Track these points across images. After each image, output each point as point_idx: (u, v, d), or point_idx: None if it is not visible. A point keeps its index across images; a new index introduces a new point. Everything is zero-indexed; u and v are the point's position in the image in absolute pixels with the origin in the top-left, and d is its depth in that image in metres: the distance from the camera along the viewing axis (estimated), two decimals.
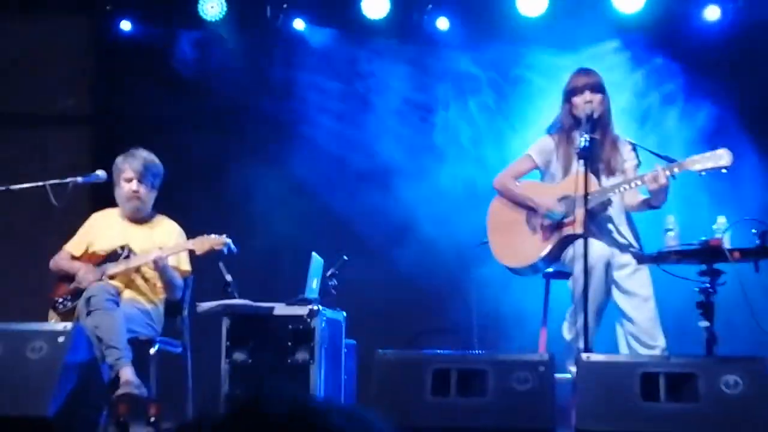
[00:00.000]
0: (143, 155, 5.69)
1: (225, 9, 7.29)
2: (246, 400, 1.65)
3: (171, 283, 5.57)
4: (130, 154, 5.70)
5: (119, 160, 5.70)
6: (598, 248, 5.10)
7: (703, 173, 4.99)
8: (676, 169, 5.03)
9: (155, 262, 5.46)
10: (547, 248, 5.31)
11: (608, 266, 5.13)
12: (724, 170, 4.95)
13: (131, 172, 5.65)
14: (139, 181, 5.65)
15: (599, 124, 5.30)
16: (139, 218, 5.75)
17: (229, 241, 5.48)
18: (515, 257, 5.43)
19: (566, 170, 5.38)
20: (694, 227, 5.16)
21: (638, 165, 5.40)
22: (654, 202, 5.17)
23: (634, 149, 5.43)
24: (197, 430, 1.63)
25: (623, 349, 5.22)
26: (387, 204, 7.08)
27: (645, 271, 5.23)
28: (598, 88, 5.36)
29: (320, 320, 5.44)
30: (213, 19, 7.32)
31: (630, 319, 5.19)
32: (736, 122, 6.53)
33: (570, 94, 5.40)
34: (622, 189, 5.18)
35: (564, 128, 5.45)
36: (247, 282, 5.82)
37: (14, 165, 7.25)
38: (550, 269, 5.45)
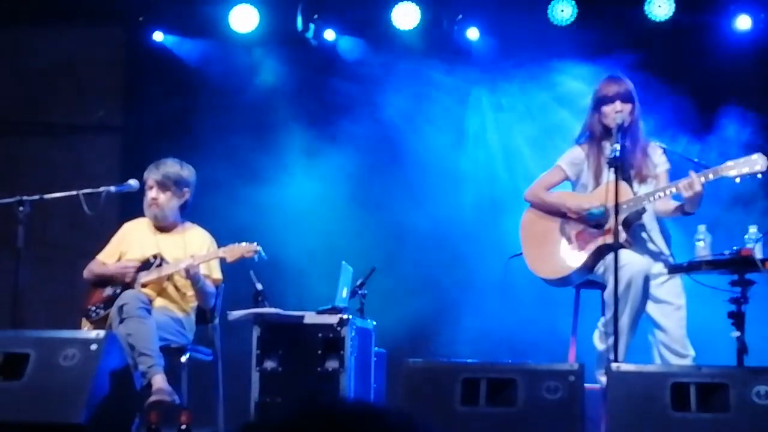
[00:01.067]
0: (167, 164, 5.76)
1: (257, 20, 7.34)
2: (312, 401, 1.68)
3: (203, 291, 5.60)
4: (155, 164, 5.79)
5: (146, 170, 5.78)
6: (636, 261, 5.06)
7: (738, 179, 4.95)
8: (711, 176, 4.98)
9: (187, 270, 5.50)
10: (583, 258, 5.25)
11: (647, 279, 5.08)
12: (759, 175, 4.91)
13: (151, 180, 5.74)
14: (159, 188, 5.72)
15: (629, 131, 5.26)
16: (168, 226, 5.80)
17: (259, 248, 5.51)
18: (551, 268, 5.37)
19: (597, 180, 5.33)
20: (725, 236, 5.14)
21: (669, 169, 5.35)
22: (688, 208, 5.12)
23: (665, 153, 5.38)
24: (263, 429, 1.66)
25: (657, 360, 5.17)
26: (417, 214, 7.09)
27: (677, 279, 5.18)
28: (629, 97, 5.29)
29: (350, 329, 5.45)
30: (244, 31, 7.37)
31: (661, 328, 5.14)
32: (764, 131, 6.49)
33: (600, 102, 5.34)
34: (656, 197, 5.14)
35: (594, 137, 5.40)
36: (277, 290, 5.85)
37: (48, 173, 7.33)
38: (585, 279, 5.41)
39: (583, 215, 5.29)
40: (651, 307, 5.17)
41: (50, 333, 4.66)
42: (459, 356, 6.00)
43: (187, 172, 5.81)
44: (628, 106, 5.28)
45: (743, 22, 6.88)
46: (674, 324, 5.13)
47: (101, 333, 4.64)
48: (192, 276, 5.52)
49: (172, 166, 5.77)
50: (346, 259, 5.78)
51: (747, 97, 6.72)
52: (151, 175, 5.75)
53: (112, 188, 5.66)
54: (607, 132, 5.30)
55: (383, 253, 6.67)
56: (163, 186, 5.73)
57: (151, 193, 5.75)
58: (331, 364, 5.43)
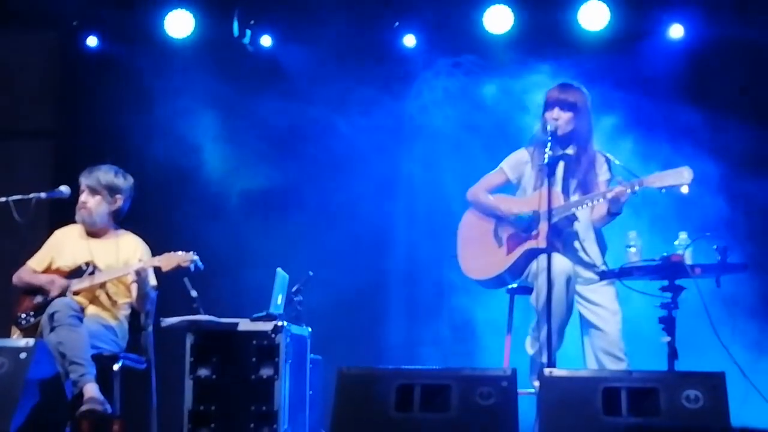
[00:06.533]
0: (100, 170, 5.76)
1: (192, 25, 7.30)
2: None
3: (148, 295, 5.58)
4: (89, 169, 5.78)
5: (80, 175, 5.76)
6: (559, 263, 5.09)
7: (664, 190, 5.02)
8: (637, 186, 5.05)
9: (138, 273, 5.46)
10: (511, 261, 5.30)
11: (569, 281, 5.11)
12: (686, 188, 4.97)
13: (83, 185, 5.74)
14: (89, 193, 5.70)
15: (574, 140, 5.29)
16: (98, 232, 5.76)
17: (196, 258, 5.48)
18: (480, 270, 5.43)
19: (536, 184, 5.37)
20: (656, 243, 5.20)
21: (610, 180, 5.36)
22: (613, 209, 5.17)
23: (608, 163, 5.40)
24: None
25: (591, 364, 5.21)
26: (354, 219, 7.08)
27: (612, 287, 5.24)
28: (569, 106, 5.27)
29: (285, 336, 5.43)
30: (180, 36, 7.32)
31: (601, 331, 5.17)
32: (697, 138, 6.58)
33: (543, 107, 5.36)
34: (585, 204, 5.18)
35: (539, 141, 5.41)
36: (211, 298, 5.81)
37: None
38: (515, 284, 5.45)
39: (511, 219, 5.33)
40: (589, 313, 5.22)
41: None
42: (397, 362, 6.01)
43: (122, 180, 5.78)
44: (566, 115, 5.27)
45: (676, 31, 6.99)
46: (613, 328, 5.18)
47: (31, 341, 4.59)
48: (142, 279, 5.48)
49: (105, 173, 5.75)
50: (282, 265, 5.76)
51: (679, 104, 6.82)
52: (83, 180, 5.74)
53: (43, 195, 5.61)
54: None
55: (319, 259, 6.65)
56: (93, 191, 5.70)
57: (82, 197, 5.73)
58: (266, 372, 5.41)
